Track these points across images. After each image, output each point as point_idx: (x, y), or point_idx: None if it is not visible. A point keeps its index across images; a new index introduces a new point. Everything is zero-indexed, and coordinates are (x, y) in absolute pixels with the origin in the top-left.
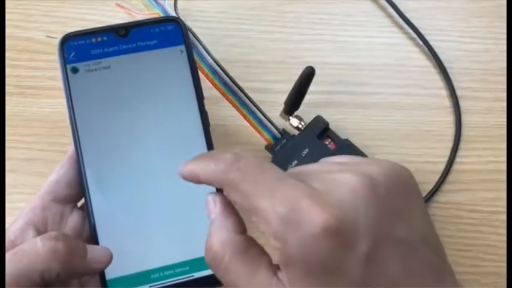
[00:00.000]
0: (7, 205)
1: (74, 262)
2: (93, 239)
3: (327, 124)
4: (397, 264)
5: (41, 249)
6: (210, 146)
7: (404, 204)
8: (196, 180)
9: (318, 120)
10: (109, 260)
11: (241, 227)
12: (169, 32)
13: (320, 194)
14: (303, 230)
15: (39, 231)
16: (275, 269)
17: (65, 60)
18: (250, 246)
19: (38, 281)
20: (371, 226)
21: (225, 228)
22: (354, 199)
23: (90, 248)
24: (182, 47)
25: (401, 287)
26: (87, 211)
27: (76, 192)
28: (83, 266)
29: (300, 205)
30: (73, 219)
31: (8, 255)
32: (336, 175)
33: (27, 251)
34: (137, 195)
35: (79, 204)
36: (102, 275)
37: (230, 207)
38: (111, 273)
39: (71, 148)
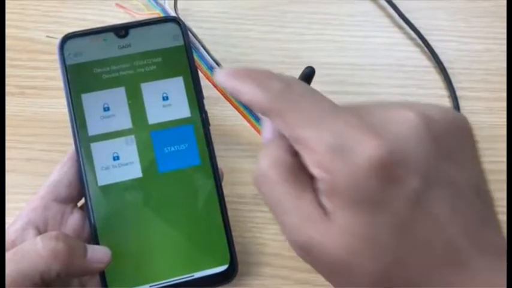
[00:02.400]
0: (7, 205)
1: (73, 262)
2: (93, 238)
3: None
4: (444, 207)
5: (41, 249)
6: (210, 145)
7: (459, 149)
8: (235, 96)
9: None
10: (108, 260)
11: (294, 151)
12: (169, 31)
13: (373, 126)
14: (351, 161)
15: (40, 231)
16: (318, 194)
17: (64, 60)
18: (301, 169)
19: (38, 281)
20: (423, 164)
21: (280, 148)
22: (409, 135)
23: (90, 248)
24: (182, 47)
25: (445, 228)
26: (87, 211)
27: (77, 192)
28: (83, 266)
29: (350, 135)
30: (73, 219)
31: (8, 255)
32: (392, 111)
33: (28, 251)
34: (137, 194)
35: (79, 204)
36: (102, 274)
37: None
38: (111, 272)
39: (71, 148)
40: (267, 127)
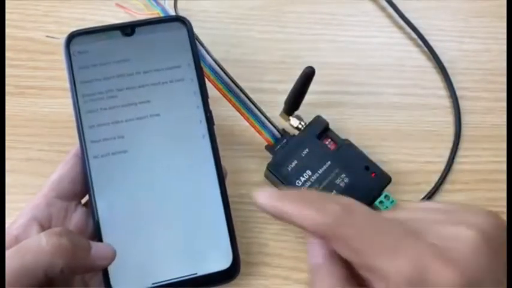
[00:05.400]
0: (7, 205)
1: (77, 258)
2: (97, 235)
3: (327, 124)
4: None
5: (45, 245)
6: (214, 144)
7: (503, 254)
8: (286, 221)
9: (318, 120)
10: (112, 256)
11: (348, 276)
12: (175, 30)
13: (443, 252)
14: None
15: (43, 228)
16: None
17: (70, 57)
18: None
19: (41, 278)
20: (494, 283)
21: (334, 277)
22: (477, 257)
23: (94, 244)
24: (187, 46)
25: None
26: (91, 208)
27: (80, 188)
28: (87, 263)
29: (425, 265)
30: (77, 216)
31: (12, 252)
32: (450, 229)
33: (31, 247)
34: (141, 191)
35: (83, 201)
36: (105, 272)
37: (336, 254)
38: (114, 270)
39: (73, 148)
40: (316, 250)
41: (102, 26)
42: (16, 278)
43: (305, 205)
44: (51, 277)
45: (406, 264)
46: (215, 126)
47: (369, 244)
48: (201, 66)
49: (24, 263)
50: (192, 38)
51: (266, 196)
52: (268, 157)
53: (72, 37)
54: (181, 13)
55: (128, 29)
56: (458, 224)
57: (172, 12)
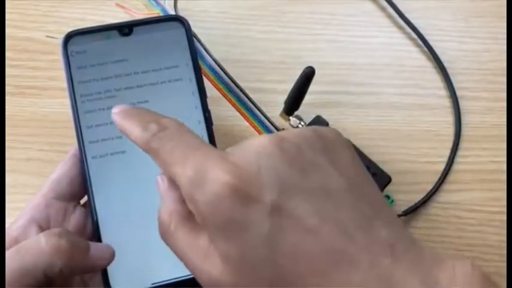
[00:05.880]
0: (6, 205)
1: (76, 259)
2: (96, 236)
3: (327, 124)
4: (311, 213)
5: (44, 246)
6: (213, 144)
7: (321, 158)
8: (124, 134)
9: (318, 120)
10: (111, 257)
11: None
12: (173, 30)
13: (226, 156)
14: (207, 190)
15: (42, 228)
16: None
17: (68, 57)
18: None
19: (41, 278)
20: (274, 179)
21: (171, 199)
22: (258, 156)
23: (93, 245)
24: (185, 45)
25: (318, 232)
26: (89, 208)
27: (78, 189)
28: (86, 263)
29: (204, 167)
30: (76, 217)
31: (11, 252)
32: (250, 140)
33: (31, 247)
34: (140, 192)
35: (82, 201)
36: (104, 272)
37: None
38: (113, 270)
39: (72, 148)
40: (159, 182)
41: (100, 26)
42: (16, 278)
43: (135, 123)
44: (51, 277)
45: (190, 168)
46: (214, 126)
47: (170, 155)
48: (200, 66)
49: (24, 263)
50: (190, 38)
51: (118, 112)
52: None
53: (69, 37)
54: (182, 13)
55: (125, 29)
56: (259, 137)
57: (172, 12)
